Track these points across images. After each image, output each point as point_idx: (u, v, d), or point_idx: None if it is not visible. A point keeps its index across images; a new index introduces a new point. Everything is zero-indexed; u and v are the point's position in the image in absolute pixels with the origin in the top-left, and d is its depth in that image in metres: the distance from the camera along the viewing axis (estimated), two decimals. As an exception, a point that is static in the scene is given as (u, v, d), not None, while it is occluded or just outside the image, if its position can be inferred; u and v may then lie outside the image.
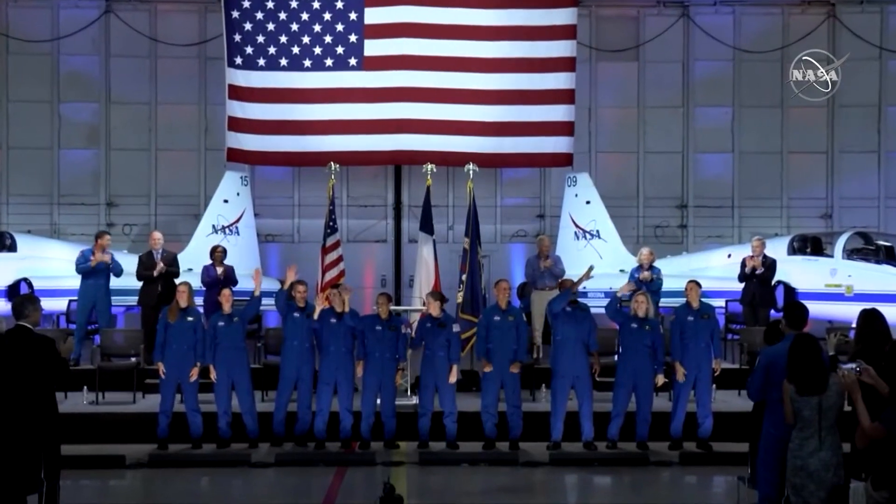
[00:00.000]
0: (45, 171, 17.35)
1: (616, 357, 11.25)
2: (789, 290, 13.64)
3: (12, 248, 13.99)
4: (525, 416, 10.74)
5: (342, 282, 12.21)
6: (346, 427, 10.59)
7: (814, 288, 13.45)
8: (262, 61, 15.70)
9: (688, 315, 10.71)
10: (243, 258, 14.92)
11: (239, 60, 15.73)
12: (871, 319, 7.29)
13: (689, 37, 17.65)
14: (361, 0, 15.67)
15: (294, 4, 15.67)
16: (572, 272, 12.83)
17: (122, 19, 17.24)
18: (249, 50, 15.71)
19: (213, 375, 10.51)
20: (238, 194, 15.85)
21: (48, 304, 11.39)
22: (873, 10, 17.60)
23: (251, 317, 11.34)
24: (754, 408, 7.86)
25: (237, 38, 15.69)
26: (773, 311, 13.05)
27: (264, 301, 11.30)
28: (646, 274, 13.28)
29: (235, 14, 15.65)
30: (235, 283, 12.85)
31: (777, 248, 14.18)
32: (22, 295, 8.83)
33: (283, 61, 15.73)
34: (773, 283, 13.41)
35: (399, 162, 16.78)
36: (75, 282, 12.99)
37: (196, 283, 12.18)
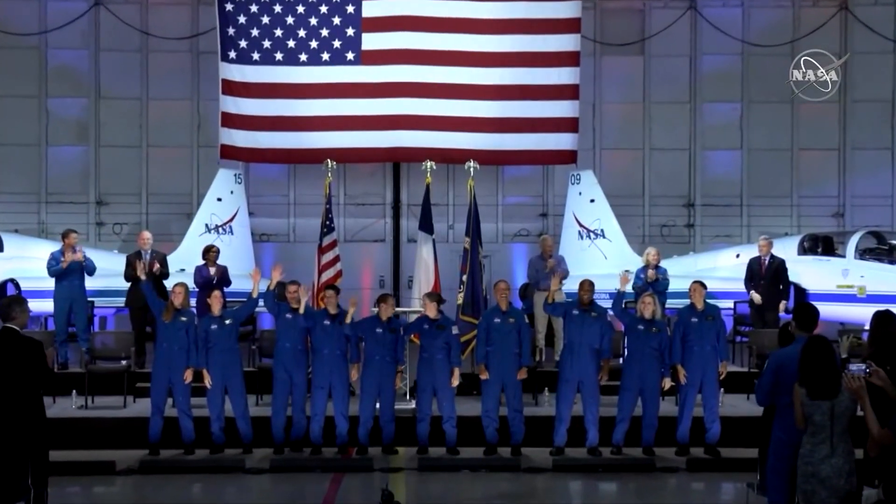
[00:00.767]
0: (32, 168, 17.24)
1: (622, 360, 11.11)
2: (800, 292, 13.55)
3: (-1, 247, 13.89)
4: (527, 421, 10.58)
5: (338, 283, 12.10)
6: (342, 432, 10.41)
7: (825, 289, 13.37)
8: (256, 55, 15.66)
9: (692, 317, 10.51)
10: (237, 258, 14.84)
11: (233, 54, 15.65)
12: (884, 321, 7.26)
13: (697, 30, 17.65)
14: (359, -7, 15.68)
15: (290, -3, 15.67)
16: (576, 273, 12.67)
17: (111, 12, 17.15)
18: (244, 44, 15.63)
19: (207, 381, 10.29)
20: (232, 192, 15.75)
21: (36, 306, 11.21)
22: (887, 3, 17.53)
23: (244, 318, 11.15)
24: (764, 412, 7.76)
25: (231, 31, 15.63)
26: (783, 314, 12.85)
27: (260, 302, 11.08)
28: (651, 273, 13.12)
29: (229, 7, 15.61)
30: (229, 283, 12.71)
31: (787, 248, 14.11)
32: (9, 296, 8.80)
33: (279, 55, 15.67)
34: (780, 285, 13.18)
35: (398, 159, 16.73)
36: (62, 283, 12.78)
37: (189, 283, 11.91)
